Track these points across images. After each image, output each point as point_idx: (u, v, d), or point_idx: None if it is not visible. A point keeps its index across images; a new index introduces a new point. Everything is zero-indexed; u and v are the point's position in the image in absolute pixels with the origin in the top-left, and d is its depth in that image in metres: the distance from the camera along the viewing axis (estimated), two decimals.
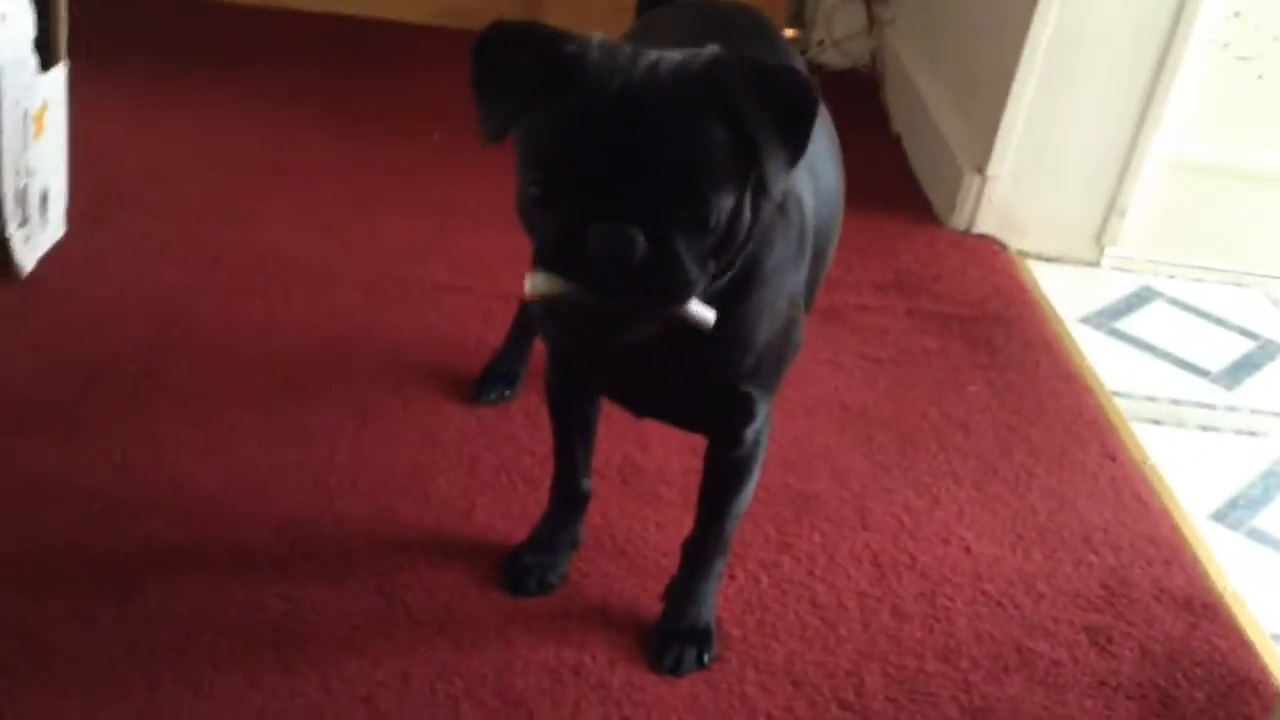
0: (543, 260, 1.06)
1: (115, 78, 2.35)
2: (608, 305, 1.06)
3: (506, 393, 1.71)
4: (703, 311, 1.08)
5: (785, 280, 1.21)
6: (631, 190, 1.02)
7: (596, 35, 1.08)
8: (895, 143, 2.67)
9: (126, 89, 2.35)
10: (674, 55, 1.07)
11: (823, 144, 1.34)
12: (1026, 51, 2.18)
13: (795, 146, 1.06)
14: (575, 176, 1.03)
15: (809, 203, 1.26)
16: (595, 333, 1.14)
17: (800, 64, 1.42)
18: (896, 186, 2.49)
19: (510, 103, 1.05)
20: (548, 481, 1.46)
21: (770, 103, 1.04)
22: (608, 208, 1.02)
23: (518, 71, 1.06)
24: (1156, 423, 1.94)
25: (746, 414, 1.27)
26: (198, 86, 2.41)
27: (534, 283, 1.06)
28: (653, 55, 1.06)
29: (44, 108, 1.74)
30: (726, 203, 1.04)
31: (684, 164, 1.02)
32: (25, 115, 1.69)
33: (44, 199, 1.80)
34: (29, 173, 1.74)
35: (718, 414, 1.27)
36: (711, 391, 1.23)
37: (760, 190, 1.08)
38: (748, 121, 1.03)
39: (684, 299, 1.06)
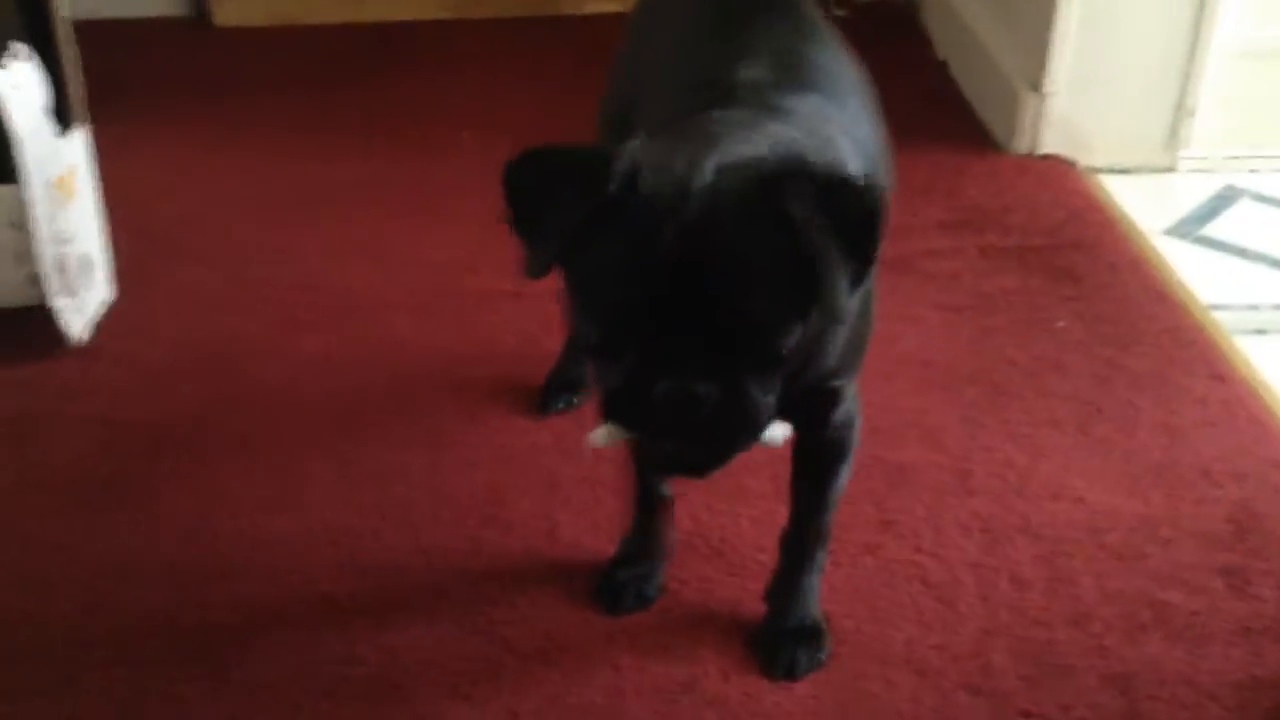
0: (608, 412, 1.01)
1: (137, 125, 2.30)
2: (681, 452, 1.02)
3: (574, 400, 1.64)
4: (774, 433, 1.05)
5: None
6: (699, 341, 0.96)
7: (637, 149, 0.98)
8: (942, 70, 2.55)
9: (152, 136, 2.30)
10: (731, 169, 0.97)
11: (857, 103, 1.24)
12: None
13: (862, 266, 0.98)
14: (638, 330, 0.97)
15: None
16: (671, 474, 1.25)
17: (821, 22, 1.30)
18: (950, 116, 2.38)
19: (556, 244, 0.98)
20: (628, 488, 1.40)
21: (837, 226, 0.96)
22: (675, 362, 0.97)
23: (562, 210, 0.98)
24: (1261, 332, 1.83)
25: (832, 403, 1.21)
26: (220, 120, 2.37)
27: (604, 435, 1.03)
28: (708, 171, 0.96)
29: (69, 173, 1.71)
30: (796, 334, 0.99)
31: (754, 314, 0.97)
32: (47, 183, 1.66)
33: (85, 264, 1.76)
34: (64, 240, 1.70)
35: (804, 408, 1.20)
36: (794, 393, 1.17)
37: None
38: (816, 259, 0.95)
39: (759, 433, 1.02)
